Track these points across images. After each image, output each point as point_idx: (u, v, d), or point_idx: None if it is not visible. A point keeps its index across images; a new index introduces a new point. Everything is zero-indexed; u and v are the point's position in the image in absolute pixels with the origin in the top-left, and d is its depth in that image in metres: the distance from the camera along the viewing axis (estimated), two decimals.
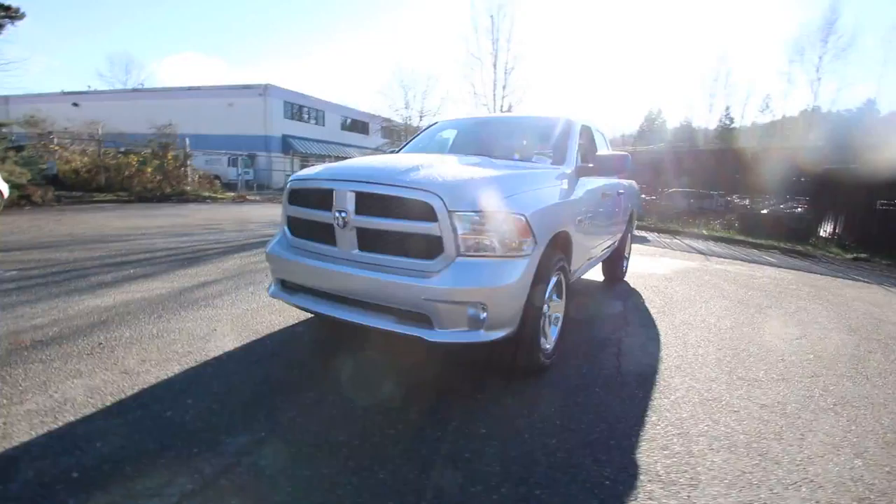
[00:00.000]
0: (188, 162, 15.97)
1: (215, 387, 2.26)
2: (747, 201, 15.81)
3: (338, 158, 29.83)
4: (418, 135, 4.09)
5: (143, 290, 3.80)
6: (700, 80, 63.83)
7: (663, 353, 3.09)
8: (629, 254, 5.63)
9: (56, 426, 1.86)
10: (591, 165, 3.18)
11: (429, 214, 2.10)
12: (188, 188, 15.05)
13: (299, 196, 2.54)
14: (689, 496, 1.66)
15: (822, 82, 41.12)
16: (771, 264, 7.82)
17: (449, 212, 2.07)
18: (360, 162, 2.81)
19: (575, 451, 1.89)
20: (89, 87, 34.36)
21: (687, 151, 20.22)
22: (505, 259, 2.15)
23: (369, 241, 2.25)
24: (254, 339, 2.90)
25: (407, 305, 2.13)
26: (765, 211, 14.35)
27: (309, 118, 31.68)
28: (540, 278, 2.33)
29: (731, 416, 2.27)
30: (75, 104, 25.79)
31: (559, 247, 2.65)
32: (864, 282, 6.70)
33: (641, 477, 1.75)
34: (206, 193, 15.21)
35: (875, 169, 10.50)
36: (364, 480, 1.64)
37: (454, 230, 2.08)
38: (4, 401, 2.02)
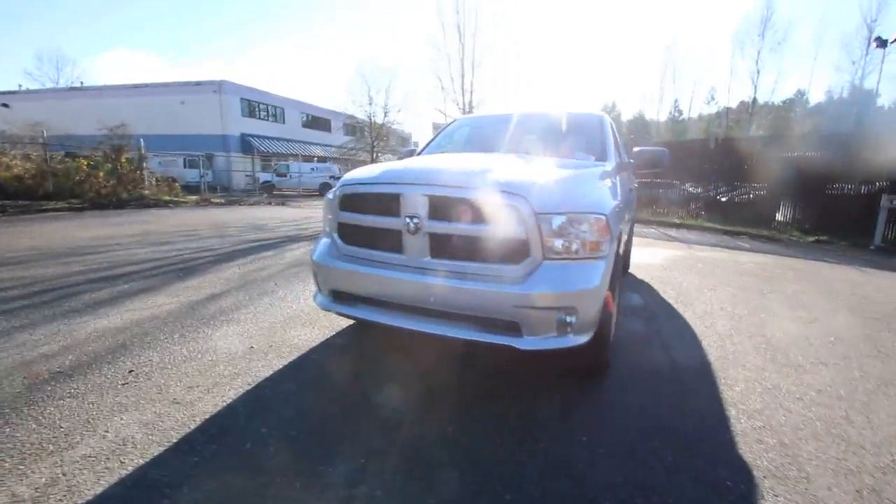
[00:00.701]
0: (144, 164, 14.95)
1: (283, 411, 2.09)
2: (699, 189, 16.62)
3: (307, 158, 29.10)
4: (440, 133, 3.97)
5: (148, 307, 3.49)
6: (651, 74, 66.60)
7: (704, 343, 3.16)
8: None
9: (126, 472, 1.64)
10: (630, 161, 3.19)
11: (514, 217, 2.02)
12: (146, 192, 14.09)
13: (355, 201, 2.38)
14: (807, 489, 1.68)
15: (760, 75, 43.73)
16: (746, 250, 8.25)
17: (536, 214, 2.00)
18: (421, 163, 2.64)
19: (680, 452, 1.88)
20: (20, 86, 31.46)
21: (645, 143, 20.95)
22: (589, 261, 2.10)
23: (443, 247, 2.14)
24: (298, 354, 2.72)
25: (494, 313, 2.05)
26: (723, 199, 15.13)
27: (268, 116, 30.46)
28: (614, 278, 2.30)
29: (798, 404, 2.34)
30: (5, 105, 23.52)
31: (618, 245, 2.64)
32: (835, 263, 7.19)
33: (755, 473, 1.76)
34: (167, 197, 14.29)
35: (824, 156, 11.31)
36: (493, 500, 1.55)
37: (540, 233, 2.01)
38: (51, 447, 1.77)
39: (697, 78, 68.69)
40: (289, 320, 3.32)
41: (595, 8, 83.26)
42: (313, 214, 11.90)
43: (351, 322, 3.26)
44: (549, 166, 2.56)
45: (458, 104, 19.47)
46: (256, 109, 29.31)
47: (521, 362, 2.64)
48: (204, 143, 24.09)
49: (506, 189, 2.04)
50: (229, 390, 2.25)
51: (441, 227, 2.11)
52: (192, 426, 1.94)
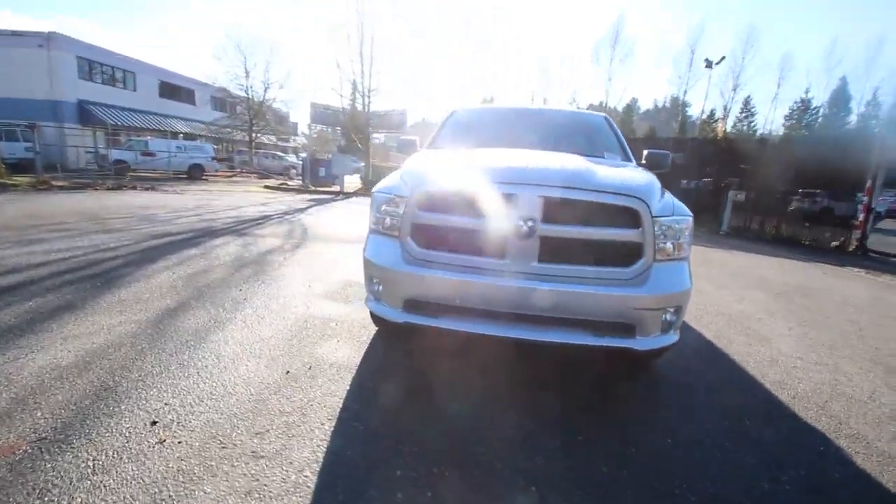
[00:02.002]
0: None
1: (405, 445, 1.80)
2: None
3: (172, 135, 24.44)
4: (445, 125, 3.71)
5: (96, 331, 2.68)
6: (528, 72, 71.66)
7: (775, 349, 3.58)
8: None
9: None
10: (643, 162, 3.40)
11: (634, 221, 2.02)
12: None
13: (444, 201, 2.13)
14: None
15: (612, 82, 50.25)
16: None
17: (653, 218, 2.03)
18: (518, 162, 2.36)
19: (806, 453, 2.11)
20: None
21: None
22: (682, 261, 2.21)
23: (554, 251, 2.04)
24: (351, 375, 2.36)
25: (610, 317, 2.03)
26: None
27: (114, 81, 25.19)
28: None
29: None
30: None
31: None
32: (706, 245, 8.69)
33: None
34: None
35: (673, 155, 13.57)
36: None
37: (654, 236, 2.05)
38: None
39: (565, 80, 76.19)
40: (300, 332, 2.86)
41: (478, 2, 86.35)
42: (204, 203, 10.32)
43: (371, 328, 2.94)
44: (619, 167, 2.60)
45: (357, 87, 18.57)
46: (99, 71, 23.96)
47: (574, 359, 2.68)
48: (27, 110, 18.97)
49: (628, 192, 2.03)
50: (311, 439, 1.85)
51: (555, 231, 2.01)
52: (308, 489, 1.56)
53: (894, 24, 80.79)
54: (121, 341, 2.56)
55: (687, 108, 53.45)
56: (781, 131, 46.75)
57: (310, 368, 2.40)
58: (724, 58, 27.13)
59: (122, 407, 1.94)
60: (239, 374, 2.29)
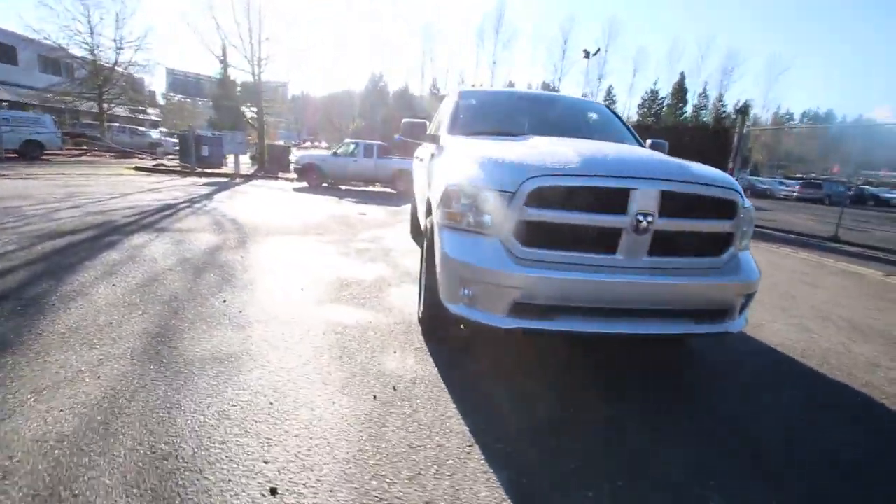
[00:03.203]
0: None
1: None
2: None
3: None
4: (455, 108, 3.45)
5: (67, 394, 2.01)
6: (413, 51, 70.74)
7: None
8: None
9: None
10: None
11: (731, 211, 2.12)
12: None
13: (556, 196, 1.99)
14: None
15: (497, 66, 52.36)
16: None
17: (743, 208, 2.15)
18: (611, 153, 2.28)
19: None
20: None
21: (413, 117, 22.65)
22: (748, 249, 2.39)
23: (662, 244, 2.06)
24: (447, 392, 2.13)
25: (712, 304, 2.13)
26: None
27: None
28: None
29: None
30: None
31: None
32: None
33: None
34: None
35: None
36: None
37: (741, 226, 2.18)
38: None
39: (451, 62, 77.04)
40: (346, 352, 2.49)
41: None
42: (76, 191, 8.35)
43: (416, 332, 2.70)
44: (670, 158, 2.69)
45: (246, 56, 16.36)
46: None
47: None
48: None
49: (729, 185, 2.11)
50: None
51: (670, 224, 2.02)
52: None
53: (721, 27, 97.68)
54: (133, 408, 1.95)
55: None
56: (635, 118, 53.79)
57: (395, 389, 2.11)
58: (599, 50, 30.09)
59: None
60: (346, 415, 1.91)
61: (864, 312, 3.97)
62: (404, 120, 3.42)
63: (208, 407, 1.86)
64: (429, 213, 2.96)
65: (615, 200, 1.98)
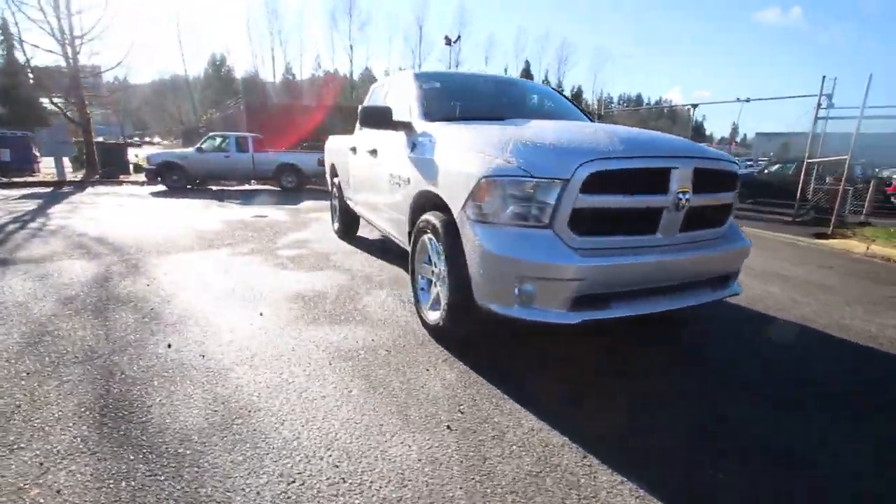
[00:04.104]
0: None
1: None
2: None
3: None
4: (424, 91, 3.11)
5: None
6: (260, 34, 63.92)
7: None
8: None
9: None
10: None
11: (733, 184, 2.32)
12: None
13: (608, 181, 1.92)
14: None
15: (354, 49, 50.78)
16: None
17: (738, 179, 2.37)
18: (634, 134, 2.32)
19: None
20: None
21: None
22: None
23: (691, 220, 2.16)
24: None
25: (727, 270, 2.32)
26: None
27: None
28: None
29: None
30: None
31: None
32: None
33: None
34: None
35: None
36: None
37: (736, 196, 2.41)
38: None
39: (305, 45, 72.05)
40: (378, 379, 2.14)
41: None
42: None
43: (430, 345, 2.47)
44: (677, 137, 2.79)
45: (52, 33, 12.78)
46: None
47: None
48: None
49: (731, 160, 2.29)
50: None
51: (699, 200, 2.12)
52: None
53: (559, 20, 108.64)
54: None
55: None
56: None
57: (462, 412, 1.86)
58: (459, 37, 31.12)
59: None
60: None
61: None
62: (363, 106, 3.02)
63: None
64: (419, 209, 2.68)
65: (658, 181, 2.00)
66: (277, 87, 51.72)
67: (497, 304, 2.01)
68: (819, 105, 9.03)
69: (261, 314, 2.88)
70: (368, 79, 59.02)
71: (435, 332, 2.50)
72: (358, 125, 4.35)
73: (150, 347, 2.37)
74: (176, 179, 10.94)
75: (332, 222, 5.77)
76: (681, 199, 2.02)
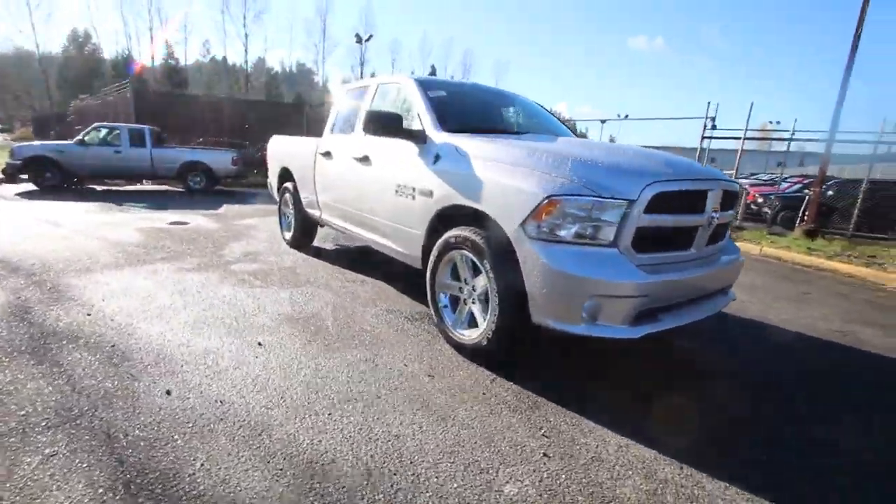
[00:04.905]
0: None
1: None
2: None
3: None
4: (429, 100, 2.95)
5: None
6: (137, 11, 55.36)
7: None
8: None
9: None
10: None
11: (735, 202, 2.61)
12: None
13: (666, 201, 2.04)
14: None
15: (250, 38, 47.05)
16: None
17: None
18: (664, 156, 2.40)
19: None
20: None
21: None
22: None
23: (713, 234, 2.39)
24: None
25: (732, 280, 2.60)
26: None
27: None
28: None
29: None
30: None
31: None
32: None
33: None
34: None
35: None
36: None
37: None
38: None
39: (190, 27, 64.51)
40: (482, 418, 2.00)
41: None
42: None
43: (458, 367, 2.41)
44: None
45: None
46: None
47: None
48: None
49: (735, 182, 2.56)
50: None
51: (721, 218, 2.35)
52: None
53: (463, 28, 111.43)
54: None
55: (314, 76, 57.64)
56: None
57: (546, 436, 1.82)
58: (371, 36, 30.49)
59: None
60: None
61: None
62: (370, 110, 2.81)
63: None
64: (445, 223, 2.58)
65: (698, 201, 2.17)
66: (157, 72, 45.78)
67: (561, 322, 2.01)
68: (705, 126, 10.56)
69: (259, 343, 2.53)
70: (262, 70, 54.99)
71: (474, 351, 2.41)
72: (329, 129, 4.05)
73: (143, 397, 1.94)
74: (49, 178, 9.11)
75: (282, 231, 5.27)
76: (713, 218, 2.22)
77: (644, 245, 2.05)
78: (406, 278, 3.93)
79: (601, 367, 2.51)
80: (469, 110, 3.19)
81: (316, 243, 5.08)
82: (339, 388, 2.10)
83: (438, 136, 2.71)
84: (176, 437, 1.69)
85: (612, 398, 2.17)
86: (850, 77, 7.87)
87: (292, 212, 4.87)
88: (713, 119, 10.45)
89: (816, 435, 1.98)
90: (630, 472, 1.64)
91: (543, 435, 1.83)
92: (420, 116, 2.88)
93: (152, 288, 3.37)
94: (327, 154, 3.88)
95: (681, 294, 2.21)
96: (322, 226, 4.30)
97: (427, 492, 1.49)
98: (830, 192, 9.69)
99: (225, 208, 8.09)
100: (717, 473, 1.66)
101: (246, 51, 47.81)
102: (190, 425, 1.76)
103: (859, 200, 8.62)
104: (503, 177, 2.22)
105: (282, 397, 2.00)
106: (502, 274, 2.17)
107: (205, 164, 10.32)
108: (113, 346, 2.40)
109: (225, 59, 51.71)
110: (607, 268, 1.94)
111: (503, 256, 2.18)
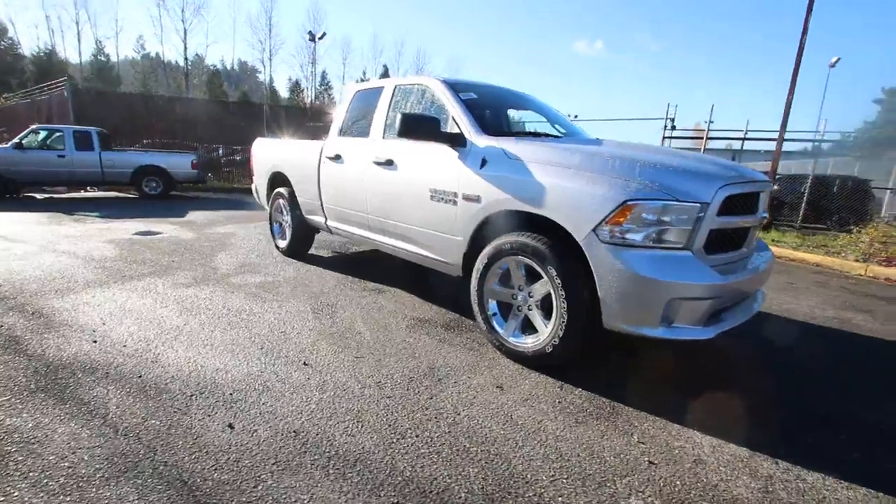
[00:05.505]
0: None
1: None
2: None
3: None
4: (461, 102, 2.85)
5: None
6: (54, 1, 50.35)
7: None
8: None
9: None
10: None
11: None
12: None
13: (732, 204, 2.10)
14: None
15: (188, 35, 44.41)
16: None
17: None
18: (708, 159, 2.51)
19: None
20: None
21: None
22: None
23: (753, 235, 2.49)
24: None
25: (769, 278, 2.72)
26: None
27: None
28: None
29: None
30: None
31: None
32: None
33: None
34: None
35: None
36: None
37: None
38: None
39: (122, 20, 59.75)
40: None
41: None
42: None
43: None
44: None
45: None
46: None
47: None
48: None
49: None
50: None
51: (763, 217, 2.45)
52: None
53: (415, 25, 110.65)
54: None
55: (258, 74, 55.73)
56: None
57: (643, 443, 1.82)
58: (325, 34, 29.59)
59: None
60: None
61: None
62: (406, 113, 2.68)
63: None
64: (495, 230, 2.52)
65: (752, 202, 2.25)
66: (85, 69, 42.16)
67: (637, 326, 2.02)
68: (665, 126, 11.12)
69: (305, 363, 2.35)
70: (201, 68, 51.95)
71: (536, 358, 2.36)
72: (337, 131, 3.86)
73: (204, 434, 1.74)
74: None
75: (274, 239, 4.98)
76: (763, 218, 2.31)
77: (711, 247, 2.09)
78: (422, 285, 3.82)
79: (650, 367, 2.55)
80: (499, 112, 3.13)
81: (311, 251, 4.85)
82: (414, 407, 1.99)
83: (481, 140, 2.64)
84: (263, 476, 1.53)
85: (679, 397, 2.20)
86: (797, 80, 8.55)
87: (288, 219, 4.61)
88: (672, 120, 11.03)
89: (874, 417, 2.11)
90: (735, 472, 1.66)
91: (639, 442, 1.82)
92: (456, 120, 2.80)
93: (155, 307, 3.06)
94: (336, 158, 3.70)
95: (739, 294, 2.27)
96: (331, 233, 4.10)
97: None
98: (776, 187, 10.52)
99: (192, 216, 7.55)
100: (810, 464, 1.72)
101: (185, 47, 44.72)
102: (272, 462, 1.60)
103: (806, 194, 9.41)
104: (569, 181, 2.18)
105: (359, 421, 1.86)
106: (571, 279, 2.15)
107: (162, 168, 9.59)
108: (140, 376, 2.14)
109: (158, 55, 48.46)
110: (686, 270, 1.96)
111: (569, 262, 2.15)
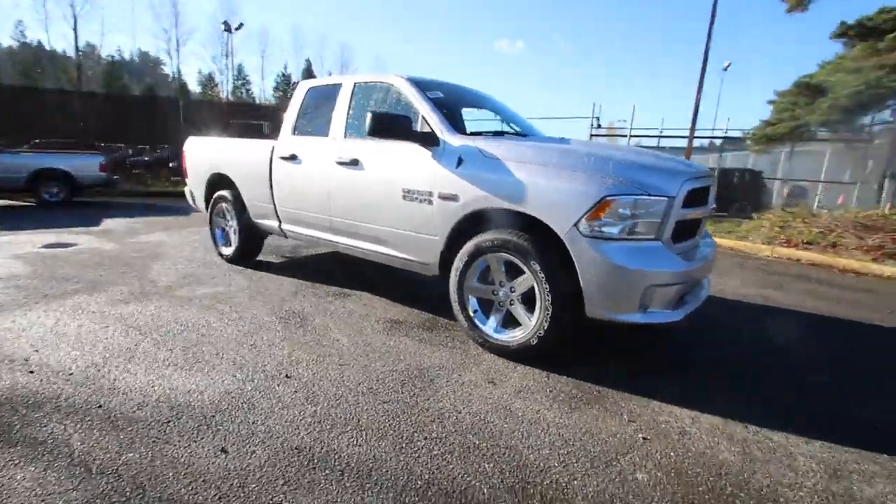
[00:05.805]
0: None
1: None
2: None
3: None
4: (429, 101, 2.82)
5: None
6: None
7: None
8: None
9: None
10: None
11: None
12: None
13: (692, 196, 2.31)
14: None
15: (79, 21, 39.51)
16: None
17: None
18: (665, 156, 2.70)
19: None
20: None
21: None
22: None
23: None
24: None
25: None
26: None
27: None
28: None
29: None
30: None
31: None
32: None
33: None
34: None
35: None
36: None
37: None
38: None
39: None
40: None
41: None
42: None
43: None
44: None
45: None
46: None
47: None
48: None
49: None
50: None
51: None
52: None
53: (338, 19, 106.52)
54: None
55: (163, 66, 51.74)
56: (273, 100, 53.37)
57: (632, 421, 1.95)
58: (242, 24, 27.71)
59: None
60: None
61: None
62: (376, 112, 2.62)
63: None
64: (473, 228, 2.56)
65: (705, 195, 2.50)
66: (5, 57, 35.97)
67: (617, 313, 2.16)
68: (591, 125, 11.87)
69: (288, 376, 2.24)
70: (94, 59, 46.48)
71: (521, 351, 2.43)
72: (290, 130, 3.68)
73: (192, 461, 1.60)
74: None
75: (217, 246, 4.62)
76: (711, 209, 2.57)
77: (675, 236, 2.29)
78: (386, 287, 3.77)
79: (624, 350, 2.74)
80: (463, 111, 3.17)
81: (259, 257, 4.58)
82: (413, 410, 1.97)
83: (454, 139, 2.66)
84: (276, 498, 1.44)
85: (652, 376, 2.39)
86: (704, 83, 9.55)
87: (233, 224, 4.31)
88: (598, 118, 11.80)
89: (816, 378, 2.44)
90: (716, 440, 1.85)
91: (630, 420, 1.96)
92: (426, 118, 2.79)
93: (94, 328, 2.73)
94: (292, 157, 3.52)
95: (696, 279, 2.51)
96: (285, 237, 3.89)
97: (578, 495, 1.50)
98: None
99: (108, 223, 6.78)
100: (775, 424, 1.96)
101: (76, 36, 39.60)
102: (282, 482, 1.51)
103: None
104: (549, 179, 2.28)
105: (359, 430, 1.81)
106: (554, 272, 2.24)
107: (65, 171, 8.48)
108: (100, 406, 1.91)
109: (40, 43, 42.61)
110: (660, 259, 2.14)
111: (551, 256, 2.25)
